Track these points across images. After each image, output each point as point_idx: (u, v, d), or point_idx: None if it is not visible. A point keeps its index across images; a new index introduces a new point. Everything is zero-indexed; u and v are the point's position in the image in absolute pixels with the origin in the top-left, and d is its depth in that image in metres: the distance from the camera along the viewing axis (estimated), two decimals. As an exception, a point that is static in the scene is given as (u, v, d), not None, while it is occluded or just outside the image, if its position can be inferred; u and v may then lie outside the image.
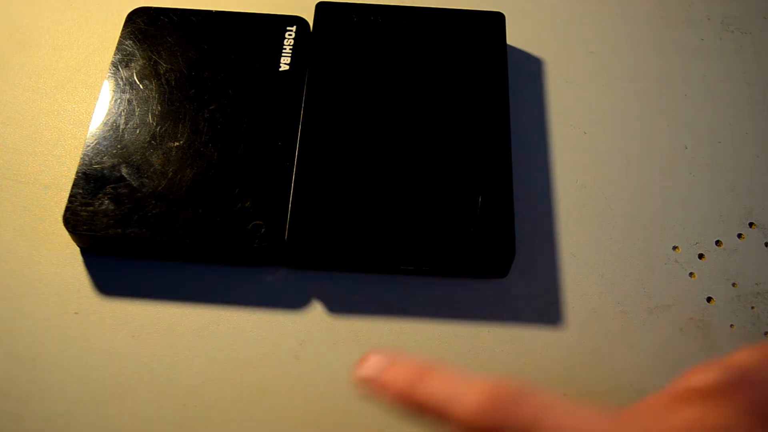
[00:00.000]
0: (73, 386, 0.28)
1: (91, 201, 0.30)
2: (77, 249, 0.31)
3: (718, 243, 0.33)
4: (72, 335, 0.29)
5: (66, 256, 0.31)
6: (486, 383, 0.20)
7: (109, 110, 0.32)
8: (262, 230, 0.30)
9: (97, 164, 0.31)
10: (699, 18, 0.40)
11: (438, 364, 0.21)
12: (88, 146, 0.31)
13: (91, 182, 0.30)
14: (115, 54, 0.34)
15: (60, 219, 0.30)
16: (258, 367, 0.29)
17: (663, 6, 0.40)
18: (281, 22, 0.36)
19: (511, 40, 0.38)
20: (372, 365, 0.21)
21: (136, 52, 0.34)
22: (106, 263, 0.31)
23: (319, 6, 0.36)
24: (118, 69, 0.34)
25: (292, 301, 0.30)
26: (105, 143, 0.31)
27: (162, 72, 0.34)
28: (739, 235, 0.33)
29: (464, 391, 0.20)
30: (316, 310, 0.30)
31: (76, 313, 0.30)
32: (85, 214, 0.29)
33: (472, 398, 0.19)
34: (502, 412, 0.19)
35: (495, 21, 0.36)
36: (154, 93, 0.33)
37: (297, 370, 0.29)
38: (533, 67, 0.38)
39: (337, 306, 0.30)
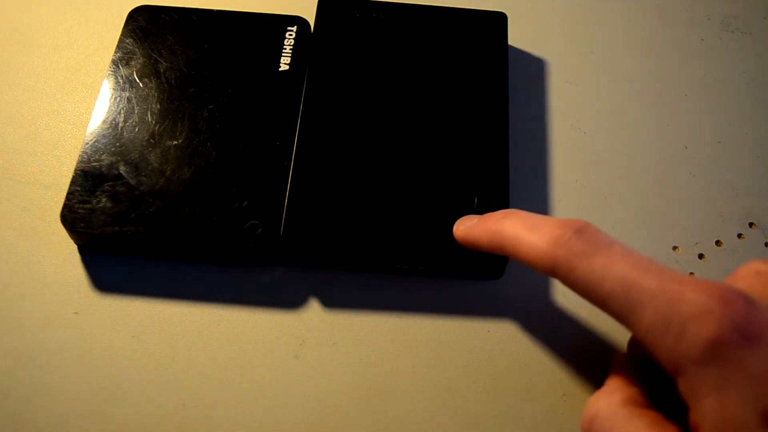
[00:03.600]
0: (73, 386, 0.28)
1: (88, 198, 0.30)
2: (77, 249, 0.31)
3: (718, 243, 0.33)
4: (72, 335, 0.29)
5: (66, 255, 0.31)
6: (552, 229, 0.23)
7: (108, 108, 0.32)
8: (259, 230, 0.30)
9: (96, 162, 0.31)
10: (699, 18, 0.40)
11: (513, 212, 0.26)
12: (87, 144, 0.31)
13: (89, 180, 0.30)
14: (115, 52, 0.34)
15: (56, 219, 0.30)
16: (258, 367, 0.29)
17: (663, 6, 0.40)
18: (282, 21, 0.36)
19: (512, 40, 0.38)
20: (463, 225, 0.29)
21: (137, 50, 0.34)
22: (106, 263, 0.31)
23: (321, 2, 0.36)
24: (118, 67, 0.34)
25: (291, 300, 0.30)
26: (104, 141, 0.31)
27: (162, 71, 0.34)
28: (739, 235, 0.33)
29: (531, 235, 0.24)
30: (315, 309, 0.30)
31: (76, 312, 0.30)
32: (82, 211, 0.29)
33: (537, 242, 0.23)
34: (563, 259, 0.23)
35: (497, 21, 0.36)
36: (153, 91, 0.33)
37: (297, 369, 0.29)
38: (534, 67, 0.38)
39: (336, 305, 0.30)
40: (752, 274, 0.23)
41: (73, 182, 0.30)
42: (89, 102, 0.35)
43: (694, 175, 0.35)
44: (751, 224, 0.33)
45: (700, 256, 0.32)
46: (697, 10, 0.40)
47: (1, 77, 0.36)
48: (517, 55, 0.38)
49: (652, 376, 0.25)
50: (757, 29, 0.40)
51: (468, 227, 0.28)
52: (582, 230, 0.22)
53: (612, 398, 0.23)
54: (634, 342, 0.27)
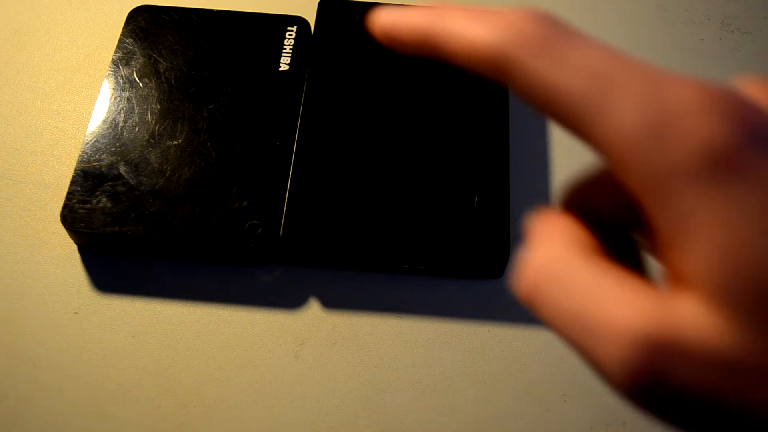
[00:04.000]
0: (73, 386, 0.28)
1: (88, 198, 0.30)
2: (77, 248, 0.31)
3: (718, 243, 0.33)
4: (72, 335, 0.29)
5: (66, 256, 0.31)
6: (505, 14, 0.17)
7: (108, 108, 0.32)
8: (259, 230, 0.30)
9: (96, 162, 0.31)
10: (699, 18, 0.40)
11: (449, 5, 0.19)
12: (87, 144, 0.31)
13: (89, 180, 0.30)
14: (115, 52, 0.34)
15: (56, 219, 0.30)
16: (258, 366, 0.29)
17: (663, 6, 0.40)
18: (282, 22, 0.36)
19: (511, 39, 0.38)
20: (384, 15, 0.21)
21: (137, 50, 0.34)
22: (106, 263, 0.31)
23: (321, 4, 0.36)
24: (119, 67, 0.34)
25: (291, 300, 0.30)
26: (104, 141, 0.31)
27: (162, 70, 0.34)
28: (740, 235, 0.33)
29: (476, 21, 0.18)
30: (315, 309, 0.30)
31: (76, 313, 0.30)
32: (82, 211, 0.29)
33: (482, 28, 0.17)
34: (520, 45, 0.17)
35: None
36: (153, 91, 0.33)
37: (297, 369, 0.29)
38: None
39: (336, 305, 0.30)
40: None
41: (73, 182, 0.30)
42: (89, 102, 0.35)
43: (694, 175, 0.35)
44: (751, 224, 0.33)
45: (700, 256, 0.32)
46: (697, 10, 0.40)
47: (1, 77, 0.36)
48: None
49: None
50: (757, 29, 0.40)
51: (392, 18, 0.20)
52: (544, 16, 0.17)
53: (560, 244, 0.17)
54: (575, 193, 0.20)
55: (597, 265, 0.16)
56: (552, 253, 0.17)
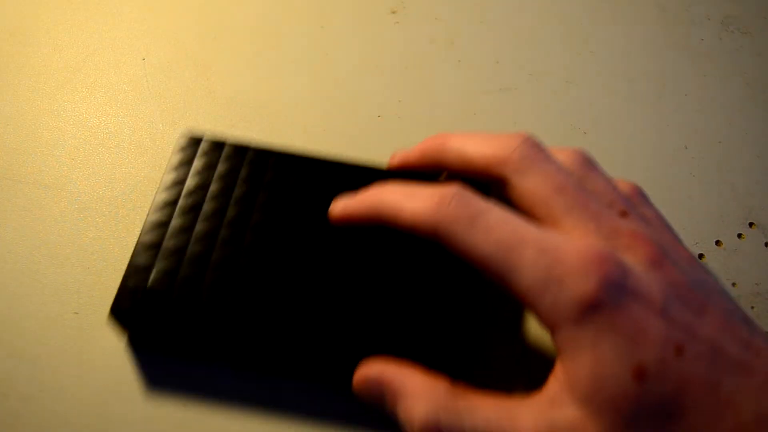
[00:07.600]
0: (73, 386, 0.28)
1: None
2: (76, 248, 0.31)
3: (718, 243, 0.33)
4: (72, 335, 0.29)
5: (65, 255, 0.31)
6: (432, 196, 0.23)
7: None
8: None
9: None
10: (699, 18, 0.40)
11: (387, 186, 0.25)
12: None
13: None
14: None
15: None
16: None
17: (663, 6, 0.40)
18: None
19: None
20: (340, 202, 0.27)
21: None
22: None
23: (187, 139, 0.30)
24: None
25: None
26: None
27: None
28: (739, 235, 0.33)
29: (412, 202, 0.24)
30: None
31: (76, 313, 0.30)
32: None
33: (419, 209, 0.23)
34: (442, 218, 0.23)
35: None
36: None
37: (297, 370, 0.29)
38: (533, 67, 0.38)
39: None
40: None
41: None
42: (89, 102, 0.35)
43: (694, 175, 0.35)
44: (751, 224, 0.33)
45: (700, 256, 0.32)
46: (697, 10, 0.40)
47: (1, 77, 0.36)
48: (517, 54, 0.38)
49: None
50: (757, 29, 0.40)
51: (345, 203, 0.26)
52: (460, 196, 0.23)
53: (437, 394, 0.22)
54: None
55: (483, 403, 0.22)
56: (431, 406, 0.22)
